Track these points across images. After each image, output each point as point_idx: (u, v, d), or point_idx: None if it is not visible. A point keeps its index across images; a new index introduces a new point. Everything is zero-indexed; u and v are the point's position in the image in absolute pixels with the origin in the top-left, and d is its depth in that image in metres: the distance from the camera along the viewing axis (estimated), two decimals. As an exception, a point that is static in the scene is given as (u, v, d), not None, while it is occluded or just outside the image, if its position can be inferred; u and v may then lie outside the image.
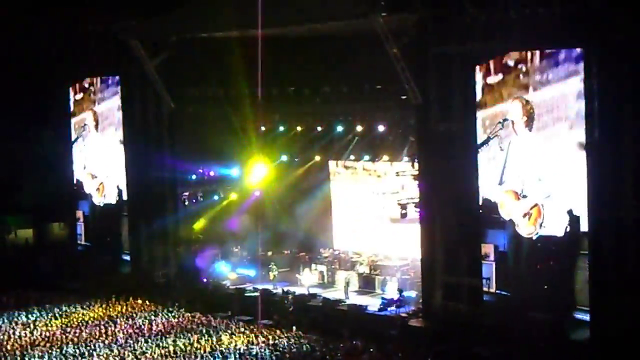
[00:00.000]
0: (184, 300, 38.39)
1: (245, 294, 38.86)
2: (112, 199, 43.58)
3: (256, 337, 32.56)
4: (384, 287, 37.24)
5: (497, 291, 30.88)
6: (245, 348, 31.20)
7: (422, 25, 31.54)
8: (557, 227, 28.75)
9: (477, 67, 30.68)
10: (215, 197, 43.63)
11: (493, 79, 30.36)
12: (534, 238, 29.47)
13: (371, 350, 30.65)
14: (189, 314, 36.57)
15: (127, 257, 43.06)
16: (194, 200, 43.24)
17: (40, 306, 38.27)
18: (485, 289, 31.05)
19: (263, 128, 41.54)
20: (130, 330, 34.12)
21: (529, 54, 29.14)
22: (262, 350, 30.90)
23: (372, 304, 35.74)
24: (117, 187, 43.02)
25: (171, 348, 31.43)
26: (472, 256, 31.37)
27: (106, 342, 32.71)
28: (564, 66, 28.12)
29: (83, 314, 37.17)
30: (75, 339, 33.18)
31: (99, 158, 44.15)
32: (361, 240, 41.09)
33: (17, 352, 31.67)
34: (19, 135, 47.47)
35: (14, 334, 34.18)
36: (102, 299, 39.10)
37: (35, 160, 48.72)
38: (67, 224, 48.28)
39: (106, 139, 43.53)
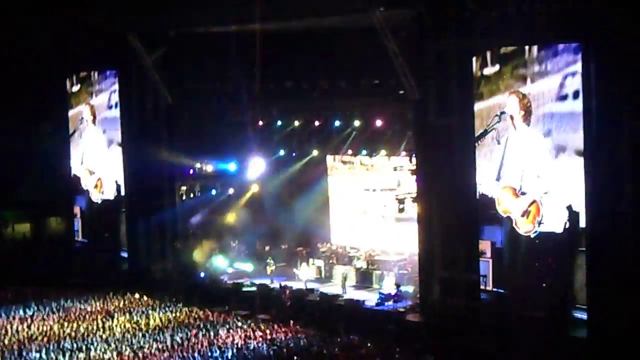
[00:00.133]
0: (182, 294, 38.43)
1: (243, 289, 38.92)
2: (110, 195, 43.50)
3: (253, 331, 32.59)
4: (382, 282, 37.24)
5: (494, 289, 30.54)
6: (243, 343, 31.22)
7: (420, 21, 31.54)
8: (556, 223, 28.39)
9: (474, 58, 30.38)
10: (213, 192, 43.59)
11: (489, 70, 30.00)
12: (532, 236, 29.19)
13: (368, 345, 30.67)
14: (187, 309, 36.60)
15: (126, 255, 43.03)
16: (192, 195, 43.22)
17: (37, 300, 38.26)
18: (481, 287, 30.77)
19: (261, 123, 41.55)
20: (128, 325, 34.14)
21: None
22: (260, 344, 30.93)
23: (370, 298, 35.77)
24: (116, 182, 42.95)
25: (168, 342, 31.43)
26: (469, 251, 31.27)
27: (103, 336, 32.73)
28: (563, 57, 27.73)
29: (80, 309, 37.18)
30: (73, 334, 33.20)
31: (97, 153, 44.07)
32: (359, 235, 41.07)
33: (15, 347, 31.70)
34: (17, 129, 47.44)
35: (11, 328, 34.19)
36: (100, 294, 39.11)
37: (33, 155, 48.70)
38: (65, 218, 48.26)
39: (103, 133, 43.49)
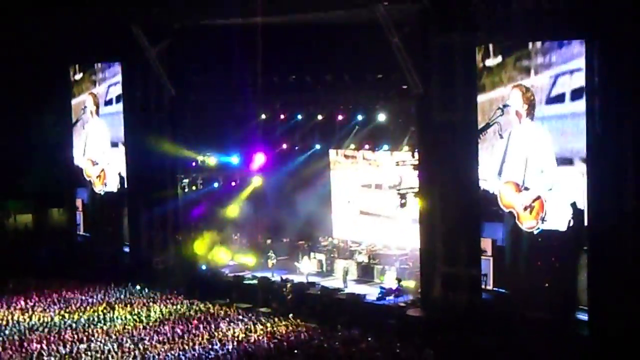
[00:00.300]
0: (183, 287, 38.45)
1: (244, 282, 38.94)
2: (114, 187, 43.49)
3: (254, 324, 32.62)
4: (383, 276, 37.21)
5: (495, 289, 30.32)
6: (244, 336, 31.25)
7: (424, 15, 31.48)
8: (559, 221, 28.05)
9: (476, 49, 30.15)
10: (215, 185, 43.60)
11: (492, 62, 29.72)
12: (535, 232, 28.90)
13: (369, 339, 30.69)
14: (188, 301, 36.63)
15: (128, 250, 43.05)
16: (194, 187, 43.19)
17: (38, 292, 38.29)
18: (482, 286, 30.55)
19: (264, 116, 41.54)
20: (129, 317, 34.18)
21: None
22: (260, 338, 30.95)
23: (371, 293, 35.76)
24: (119, 174, 42.94)
25: (169, 335, 31.46)
26: (471, 246, 31.19)
27: (104, 328, 32.77)
28: (569, 48, 27.38)
29: (81, 300, 37.21)
30: (74, 325, 33.26)
31: (100, 144, 44.06)
32: (360, 230, 41.03)
33: (16, 337, 31.76)
34: (20, 119, 47.47)
35: (12, 319, 34.24)
36: (101, 286, 39.14)
37: (36, 145, 48.73)
38: (67, 209, 48.23)
39: (106, 124, 43.49)
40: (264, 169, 43.33)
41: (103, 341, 30.89)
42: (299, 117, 40.54)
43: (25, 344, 30.66)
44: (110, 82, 43.06)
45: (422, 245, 33.33)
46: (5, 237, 48.65)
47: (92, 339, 31.20)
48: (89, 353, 29.64)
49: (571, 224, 27.81)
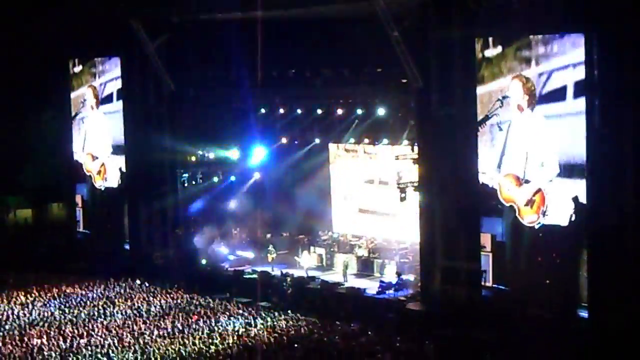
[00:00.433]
0: (183, 281, 38.45)
1: (244, 276, 38.94)
2: (114, 182, 43.44)
3: (254, 319, 32.61)
4: (383, 270, 37.24)
5: (494, 285, 30.13)
6: (244, 330, 31.24)
7: (423, 9, 31.45)
8: (561, 215, 27.77)
9: (475, 39, 29.93)
10: (215, 179, 43.59)
11: (491, 52, 29.52)
12: (536, 227, 28.69)
13: (369, 333, 30.69)
14: (187, 295, 36.63)
15: (128, 247, 43.01)
16: (193, 182, 43.17)
17: (39, 286, 38.29)
18: (481, 282, 30.38)
19: (263, 110, 41.50)
20: (129, 311, 34.17)
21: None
22: (260, 332, 30.95)
23: (371, 287, 35.76)
24: (120, 169, 42.87)
25: (169, 329, 31.47)
26: (471, 240, 31.16)
27: (104, 322, 32.77)
28: (571, 37, 27.15)
29: (81, 295, 37.21)
30: (74, 319, 33.25)
31: (100, 138, 44.00)
32: (360, 224, 41.01)
33: (16, 332, 31.76)
34: (19, 114, 47.45)
35: (12, 313, 34.23)
36: (101, 280, 39.14)
37: (35, 140, 48.72)
38: (66, 204, 48.19)
39: (106, 118, 43.44)
40: (263, 163, 43.29)
41: (103, 336, 30.87)
42: (299, 111, 40.49)
43: (26, 339, 30.65)
44: (110, 76, 42.96)
45: (422, 238, 33.31)
46: (5, 232, 48.65)
47: (92, 333, 31.18)
48: (89, 348, 29.62)
49: (572, 218, 27.59)
